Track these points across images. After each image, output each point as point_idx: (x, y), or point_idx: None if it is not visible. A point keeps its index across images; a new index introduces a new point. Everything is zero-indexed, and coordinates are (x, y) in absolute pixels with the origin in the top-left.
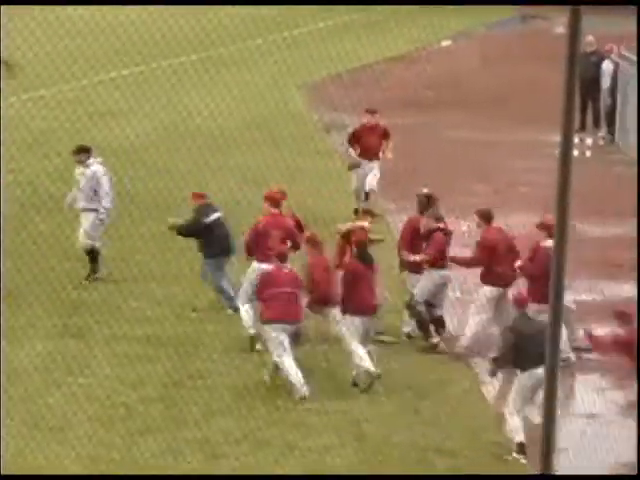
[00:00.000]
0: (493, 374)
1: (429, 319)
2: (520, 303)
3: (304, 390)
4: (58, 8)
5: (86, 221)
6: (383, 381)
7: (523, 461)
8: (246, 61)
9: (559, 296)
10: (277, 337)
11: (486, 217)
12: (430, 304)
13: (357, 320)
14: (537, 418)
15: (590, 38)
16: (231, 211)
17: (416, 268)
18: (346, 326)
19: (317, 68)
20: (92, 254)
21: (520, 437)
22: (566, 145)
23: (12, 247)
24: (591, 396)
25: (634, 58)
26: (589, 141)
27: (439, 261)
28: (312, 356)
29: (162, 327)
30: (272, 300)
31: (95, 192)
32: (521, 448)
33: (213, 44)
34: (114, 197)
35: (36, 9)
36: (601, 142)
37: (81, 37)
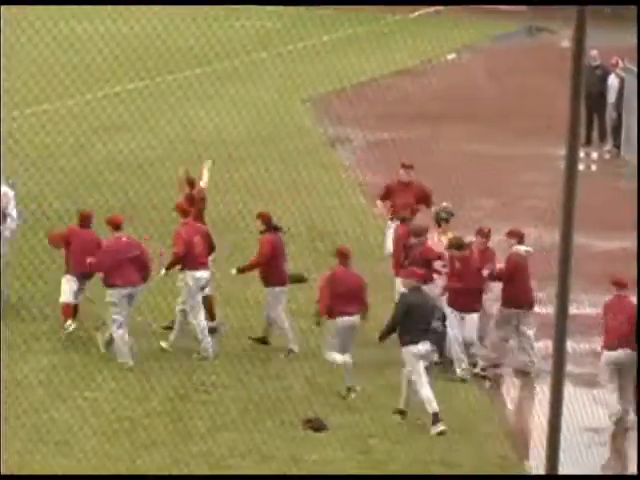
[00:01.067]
0: (381, 340)
1: None
2: (412, 276)
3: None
4: (62, 22)
5: None
6: (388, 395)
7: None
8: (251, 75)
9: (564, 311)
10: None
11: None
12: None
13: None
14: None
15: (594, 52)
16: (236, 225)
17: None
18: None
19: (322, 82)
20: None
21: (434, 407)
22: (571, 159)
23: (15, 261)
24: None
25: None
26: (595, 155)
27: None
28: (318, 370)
29: (167, 341)
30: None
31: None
32: (436, 417)
33: (217, 57)
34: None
35: (39, 23)
36: (607, 156)
37: (85, 51)
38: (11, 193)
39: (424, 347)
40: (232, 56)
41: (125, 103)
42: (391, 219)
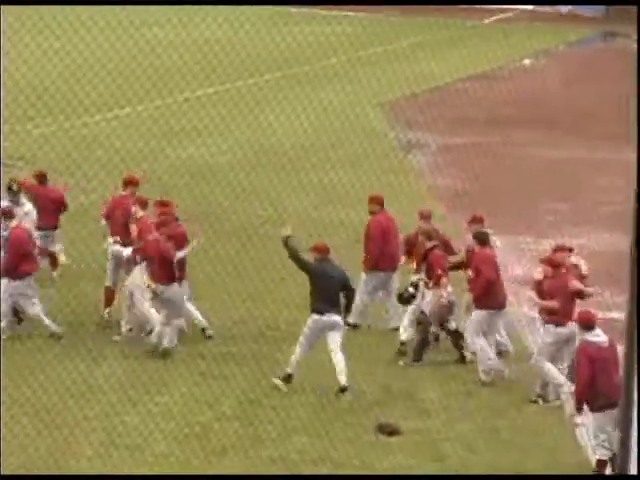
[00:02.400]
0: None
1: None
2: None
3: None
4: (135, 29)
5: None
6: (461, 400)
7: None
8: (321, 80)
9: (634, 316)
10: None
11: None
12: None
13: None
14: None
15: None
16: (307, 229)
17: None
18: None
19: (392, 87)
20: None
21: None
22: None
23: (87, 269)
24: None
25: None
26: None
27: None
28: (391, 375)
29: (239, 346)
30: None
31: None
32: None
33: (287, 62)
34: None
35: (116, 29)
36: None
37: (155, 57)
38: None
39: None
40: (303, 61)
41: (195, 109)
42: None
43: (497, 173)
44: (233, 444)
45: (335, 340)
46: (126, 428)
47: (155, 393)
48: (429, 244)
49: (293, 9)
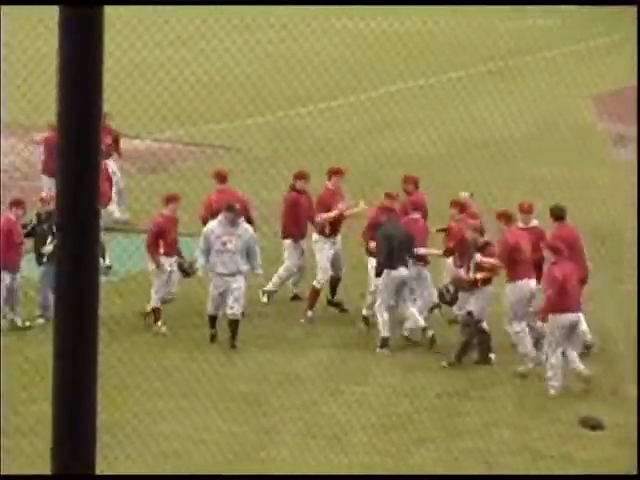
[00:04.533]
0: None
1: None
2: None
3: None
4: (337, 20)
5: None
6: None
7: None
8: (533, 72)
9: None
10: None
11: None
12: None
13: None
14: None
15: None
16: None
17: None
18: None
19: (602, 80)
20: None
21: (386, 332)
22: None
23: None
24: None
25: None
26: None
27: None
28: (597, 369)
29: (442, 337)
30: None
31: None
32: (385, 342)
33: (496, 55)
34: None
35: (321, 21)
36: None
37: (367, 47)
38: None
39: None
40: (513, 54)
41: (408, 100)
42: None
43: None
44: (431, 435)
45: None
46: (324, 418)
47: (353, 384)
48: (482, 240)
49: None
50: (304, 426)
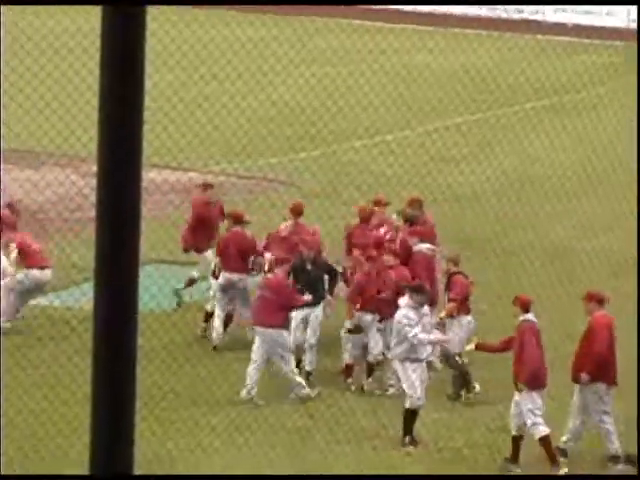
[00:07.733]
0: None
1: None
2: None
3: None
4: (393, 53)
5: None
6: None
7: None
8: (586, 108)
9: None
10: None
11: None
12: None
13: None
14: None
15: None
16: (559, 259)
17: None
18: None
19: None
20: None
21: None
22: None
23: None
24: None
25: None
26: None
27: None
28: None
29: (490, 370)
30: None
31: None
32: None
33: (550, 90)
34: None
35: (377, 56)
36: None
37: (422, 81)
38: None
39: None
40: (570, 89)
41: (463, 135)
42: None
43: None
44: (483, 471)
45: None
46: (376, 452)
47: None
48: (455, 269)
49: (557, 37)
50: (353, 460)
